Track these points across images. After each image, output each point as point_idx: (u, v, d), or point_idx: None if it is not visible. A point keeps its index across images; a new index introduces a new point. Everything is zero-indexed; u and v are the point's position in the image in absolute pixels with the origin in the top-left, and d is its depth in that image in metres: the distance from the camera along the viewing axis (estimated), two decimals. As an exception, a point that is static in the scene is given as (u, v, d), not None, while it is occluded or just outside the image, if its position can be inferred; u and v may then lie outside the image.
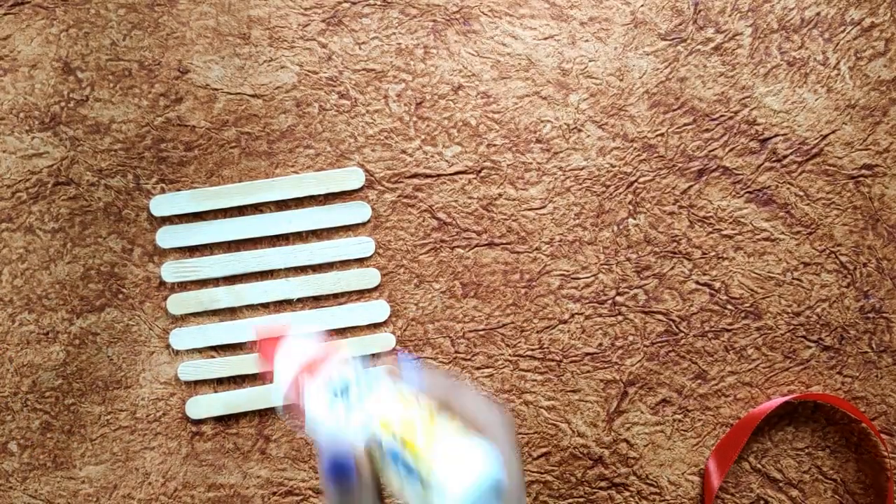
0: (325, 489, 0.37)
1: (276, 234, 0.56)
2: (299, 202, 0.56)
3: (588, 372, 0.57)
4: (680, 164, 0.57)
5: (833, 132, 0.58)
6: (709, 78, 0.57)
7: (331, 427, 0.38)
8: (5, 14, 0.56)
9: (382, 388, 0.38)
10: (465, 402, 0.37)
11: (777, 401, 0.57)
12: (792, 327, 0.57)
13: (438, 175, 0.57)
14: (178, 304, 0.55)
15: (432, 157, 0.57)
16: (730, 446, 0.56)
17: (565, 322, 0.57)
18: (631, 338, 0.57)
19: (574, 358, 0.57)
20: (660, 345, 0.57)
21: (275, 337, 0.40)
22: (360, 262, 0.57)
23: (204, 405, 0.55)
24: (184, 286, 0.56)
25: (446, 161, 0.57)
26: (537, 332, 0.57)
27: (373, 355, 0.56)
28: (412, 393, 0.38)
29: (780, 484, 0.57)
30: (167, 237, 0.55)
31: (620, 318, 0.57)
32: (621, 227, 0.57)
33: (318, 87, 0.57)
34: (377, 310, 0.56)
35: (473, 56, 0.57)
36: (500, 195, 0.57)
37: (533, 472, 0.57)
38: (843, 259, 0.57)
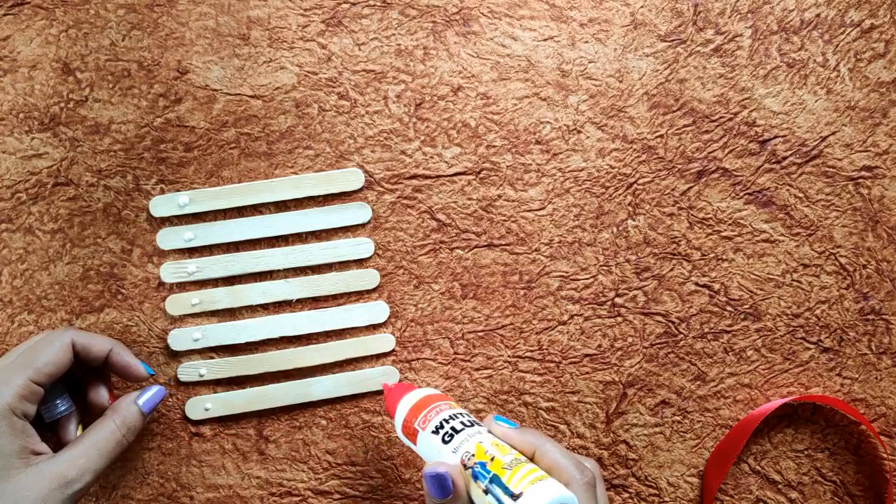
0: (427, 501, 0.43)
1: (276, 234, 0.56)
2: (299, 203, 0.56)
3: (587, 373, 0.57)
4: (679, 166, 0.57)
5: (833, 134, 0.57)
6: (708, 79, 0.57)
7: (433, 450, 0.44)
8: (5, 14, 0.56)
9: (481, 430, 0.44)
10: (551, 453, 0.42)
11: (776, 402, 0.56)
12: (791, 329, 0.57)
13: (438, 176, 0.57)
14: (176, 304, 0.55)
15: (432, 158, 0.57)
16: (729, 448, 0.56)
17: (564, 323, 0.57)
18: (630, 339, 0.57)
19: (573, 359, 0.57)
20: (659, 346, 0.57)
21: (398, 386, 0.49)
22: (360, 262, 0.57)
23: (203, 406, 0.55)
24: (182, 287, 0.56)
25: (446, 162, 0.57)
26: (536, 333, 0.57)
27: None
28: (505, 438, 0.44)
29: (780, 485, 0.57)
30: (168, 238, 0.55)
31: (620, 319, 0.57)
32: (621, 228, 0.57)
33: (317, 87, 0.57)
34: (376, 311, 0.56)
35: (473, 57, 0.57)
36: (499, 196, 0.57)
37: (532, 473, 0.57)
38: (843, 261, 0.57)
